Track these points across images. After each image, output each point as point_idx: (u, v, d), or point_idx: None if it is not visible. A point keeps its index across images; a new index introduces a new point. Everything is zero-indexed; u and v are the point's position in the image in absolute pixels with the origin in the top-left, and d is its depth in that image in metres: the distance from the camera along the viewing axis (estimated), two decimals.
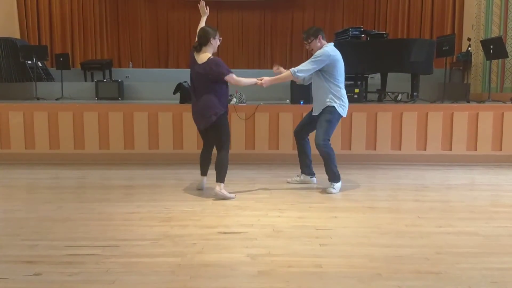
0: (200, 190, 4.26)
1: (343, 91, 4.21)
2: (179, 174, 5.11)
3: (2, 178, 4.94)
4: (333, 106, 4.14)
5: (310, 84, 4.41)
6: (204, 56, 3.83)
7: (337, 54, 4.13)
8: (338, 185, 4.24)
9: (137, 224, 3.20)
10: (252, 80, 4.10)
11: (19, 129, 5.81)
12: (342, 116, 4.24)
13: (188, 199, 3.96)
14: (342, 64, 4.18)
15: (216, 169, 3.94)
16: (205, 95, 3.87)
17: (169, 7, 12.97)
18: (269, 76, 4.29)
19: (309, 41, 4.19)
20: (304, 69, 4.07)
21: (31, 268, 2.43)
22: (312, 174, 4.57)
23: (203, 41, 3.84)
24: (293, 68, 4.10)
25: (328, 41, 4.26)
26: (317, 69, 4.09)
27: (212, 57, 3.85)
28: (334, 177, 4.24)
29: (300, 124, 4.51)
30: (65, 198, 4.02)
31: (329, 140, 4.20)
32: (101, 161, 5.74)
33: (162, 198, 3.96)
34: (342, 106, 4.19)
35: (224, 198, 3.93)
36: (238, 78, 3.92)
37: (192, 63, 3.94)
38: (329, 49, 4.11)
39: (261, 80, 4.12)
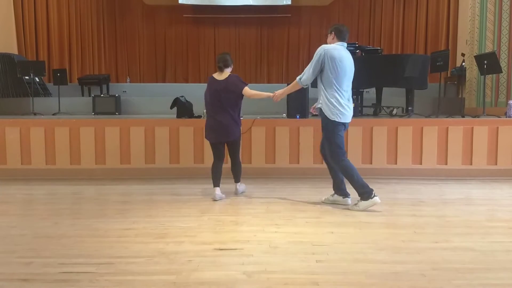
0: (214, 201, 4.46)
1: (338, 94, 3.95)
2: (176, 189, 5.11)
3: None
4: (325, 115, 4.01)
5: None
6: (224, 74, 4.44)
7: (333, 52, 3.91)
8: (364, 203, 3.98)
9: (132, 241, 3.18)
10: (265, 94, 4.46)
11: (15, 145, 5.81)
12: (337, 121, 3.97)
13: (184, 214, 3.95)
14: (340, 64, 3.92)
15: (236, 173, 4.62)
16: (226, 112, 4.39)
17: (167, 23, 13.08)
18: (267, 89, 4.34)
19: (327, 33, 4.13)
20: (305, 74, 4.00)
21: (26, 286, 2.40)
22: (345, 195, 4.21)
23: (226, 64, 4.45)
24: (298, 76, 4.10)
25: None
26: (316, 69, 3.95)
27: (231, 73, 4.49)
28: (359, 193, 4.02)
29: (321, 141, 4.27)
30: (61, 214, 4.00)
31: (340, 154, 4.02)
32: (97, 176, 5.73)
33: (158, 214, 3.95)
34: (334, 111, 3.95)
35: (244, 191, 4.73)
36: (252, 92, 4.43)
37: (211, 84, 4.45)
38: (326, 46, 3.98)
39: (274, 94, 4.27)
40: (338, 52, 3.96)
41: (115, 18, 12.77)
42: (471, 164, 5.73)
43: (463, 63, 8.39)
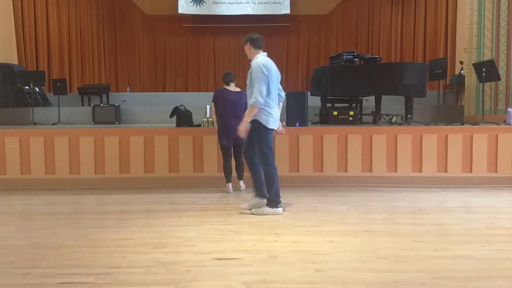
0: (228, 196, 5.14)
1: (272, 101, 4.11)
2: (175, 198, 5.09)
3: None
4: (262, 124, 4.08)
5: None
6: (235, 88, 5.27)
7: (267, 63, 4.08)
8: (268, 209, 4.17)
9: (130, 251, 3.17)
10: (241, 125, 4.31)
11: (15, 155, 5.80)
12: (271, 128, 4.13)
13: (183, 224, 3.93)
14: (272, 73, 4.10)
15: (241, 171, 5.28)
16: (239, 118, 4.61)
17: (167, 32, 13.16)
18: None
19: (244, 44, 4.28)
20: (258, 94, 3.98)
21: None
22: (264, 196, 4.26)
23: (231, 80, 5.29)
24: (250, 101, 4.05)
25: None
26: (267, 84, 4.03)
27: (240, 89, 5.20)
28: (269, 199, 4.21)
29: (245, 146, 4.37)
30: (60, 224, 3.98)
31: (269, 155, 4.13)
32: (96, 186, 5.71)
33: (156, 224, 3.93)
34: (269, 119, 4.08)
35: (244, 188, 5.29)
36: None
37: (225, 95, 5.14)
38: (260, 61, 4.07)
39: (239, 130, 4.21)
40: (270, 62, 4.15)
41: (115, 27, 12.85)
42: (471, 171, 5.72)
43: (462, 71, 8.41)
